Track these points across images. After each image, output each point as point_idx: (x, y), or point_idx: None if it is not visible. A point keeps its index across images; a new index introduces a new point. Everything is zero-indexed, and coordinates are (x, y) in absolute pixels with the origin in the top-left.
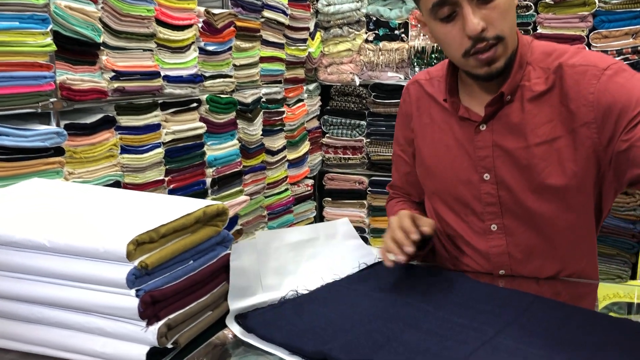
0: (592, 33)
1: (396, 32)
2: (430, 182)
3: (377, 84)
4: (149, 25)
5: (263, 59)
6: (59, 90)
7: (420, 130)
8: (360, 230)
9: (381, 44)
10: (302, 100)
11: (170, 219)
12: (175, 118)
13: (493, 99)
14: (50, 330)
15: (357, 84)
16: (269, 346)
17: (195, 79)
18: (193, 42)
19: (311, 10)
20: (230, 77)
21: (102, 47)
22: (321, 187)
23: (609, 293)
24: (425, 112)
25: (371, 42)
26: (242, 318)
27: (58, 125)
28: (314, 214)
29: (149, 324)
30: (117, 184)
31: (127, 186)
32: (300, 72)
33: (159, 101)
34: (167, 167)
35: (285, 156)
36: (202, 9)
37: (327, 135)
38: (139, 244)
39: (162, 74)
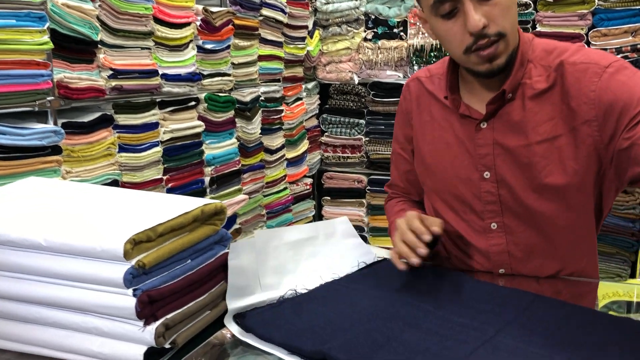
0: (591, 31)
1: (395, 30)
2: (429, 181)
3: (376, 83)
4: (146, 23)
5: (261, 58)
6: (57, 88)
7: (420, 128)
8: (359, 229)
9: (380, 43)
10: (300, 98)
11: (167, 217)
12: (174, 117)
13: (494, 97)
14: (47, 330)
15: (356, 82)
16: (268, 346)
17: (193, 78)
18: (191, 41)
19: (310, 8)
20: (229, 75)
21: (99, 45)
22: (320, 185)
23: (609, 292)
24: (425, 109)
25: (370, 40)
26: (241, 317)
27: (55, 123)
28: (313, 213)
29: (147, 323)
30: (115, 183)
31: (125, 185)
32: (299, 71)
33: (157, 100)
34: (165, 165)
35: (284, 155)
36: (200, 7)
37: (326, 133)
38: (136, 243)
39: (160, 72)
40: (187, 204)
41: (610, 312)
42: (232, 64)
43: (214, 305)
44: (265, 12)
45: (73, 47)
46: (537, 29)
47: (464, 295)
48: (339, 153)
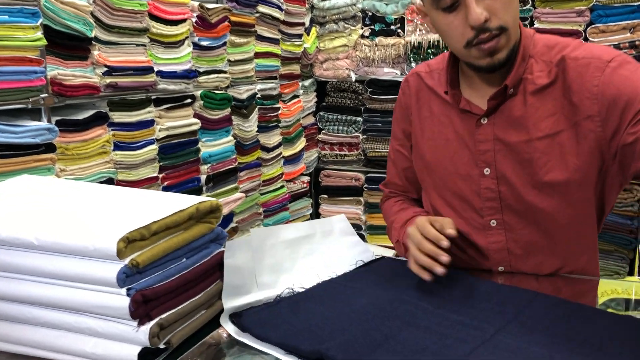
0: (589, 27)
1: (392, 27)
2: (428, 177)
3: (373, 80)
4: (141, 19)
5: (258, 55)
6: (50, 85)
7: (419, 123)
8: (356, 227)
9: (377, 40)
10: (297, 96)
11: (162, 215)
12: (169, 114)
13: (496, 92)
14: (39, 330)
15: (353, 79)
16: (265, 345)
17: (189, 75)
18: (187, 37)
19: (306, 5)
20: (225, 72)
21: (93, 42)
22: (317, 184)
23: (607, 289)
24: (424, 104)
25: (367, 37)
26: (237, 317)
27: (49, 121)
28: (310, 211)
29: (141, 323)
30: (110, 181)
31: (120, 183)
32: (295, 68)
33: (153, 97)
34: (161, 164)
35: (280, 153)
36: (196, 4)
37: (323, 131)
38: (129, 242)
39: (156, 69)
40: (182, 202)
41: (609, 310)
42: (229, 61)
43: (210, 304)
44: (262, 8)
45: (67, 44)
46: (535, 26)
47: (463, 293)
48: (336, 151)
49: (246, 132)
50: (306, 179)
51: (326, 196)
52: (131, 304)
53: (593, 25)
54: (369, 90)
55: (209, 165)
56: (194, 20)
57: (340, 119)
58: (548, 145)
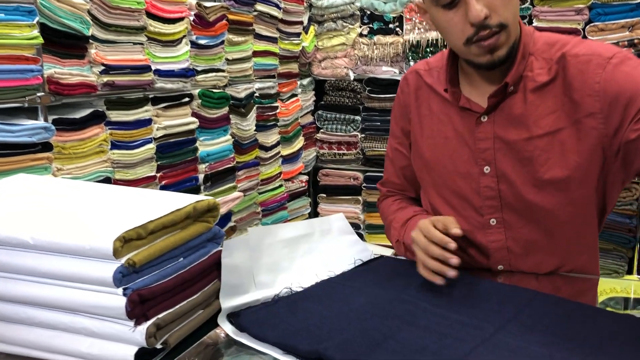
0: (588, 26)
1: (391, 25)
2: (427, 176)
3: (372, 79)
4: (139, 18)
5: (256, 53)
6: (47, 84)
7: (418, 121)
8: (355, 226)
9: (375, 38)
10: (296, 95)
11: (159, 214)
12: (167, 113)
13: (497, 90)
14: (34, 330)
15: (352, 78)
16: (263, 345)
17: (187, 73)
18: (184, 36)
19: (305, 3)
20: (223, 71)
21: (91, 40)
22: (316, 183)
23: (606, 288)
24: (424, 102)
25: (365, 36)
26: (235, 317)
27: (46, 120)
28: (309, 210)
29: (137, 323)
30: (107, 180)
31: (117, 182)
32: (294, 67)
33: (150, 96)
34: (158, 163)
35: (279, 152)
36: (193, 2)
37: (322, 130)
38: (126, 241)
39: (153, 68)
40: (179, 201)
41: (608, 309)
42: (227, 59)
43: (207, 304)
44: (260, 7)
45: (63, 42)
46: (533, 24)
47: (462, 292)
48: (334, 150)
49: (244, 131)
50: (304, 178)
51: (325, 195)
52: (127, 304)
53: (592, 24)
54: (368, 89)
55: (206, 164)
56: (191, 18)
57: (338, 117)
58: (548, 143)
